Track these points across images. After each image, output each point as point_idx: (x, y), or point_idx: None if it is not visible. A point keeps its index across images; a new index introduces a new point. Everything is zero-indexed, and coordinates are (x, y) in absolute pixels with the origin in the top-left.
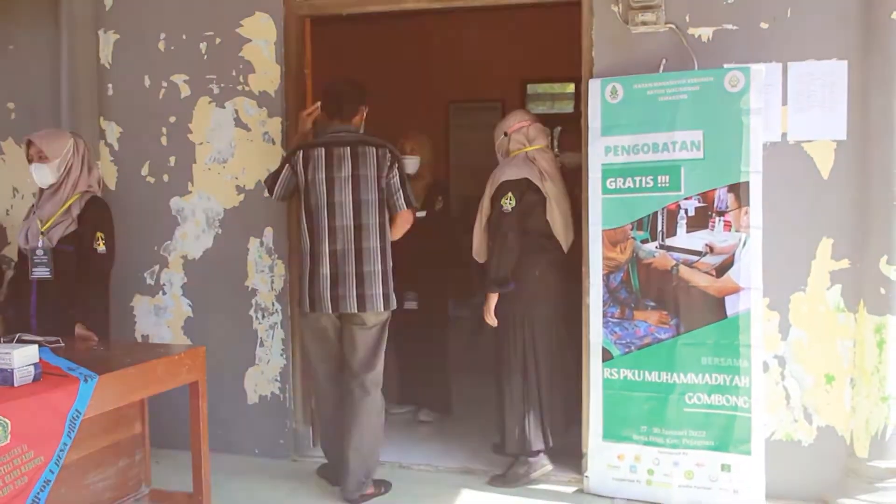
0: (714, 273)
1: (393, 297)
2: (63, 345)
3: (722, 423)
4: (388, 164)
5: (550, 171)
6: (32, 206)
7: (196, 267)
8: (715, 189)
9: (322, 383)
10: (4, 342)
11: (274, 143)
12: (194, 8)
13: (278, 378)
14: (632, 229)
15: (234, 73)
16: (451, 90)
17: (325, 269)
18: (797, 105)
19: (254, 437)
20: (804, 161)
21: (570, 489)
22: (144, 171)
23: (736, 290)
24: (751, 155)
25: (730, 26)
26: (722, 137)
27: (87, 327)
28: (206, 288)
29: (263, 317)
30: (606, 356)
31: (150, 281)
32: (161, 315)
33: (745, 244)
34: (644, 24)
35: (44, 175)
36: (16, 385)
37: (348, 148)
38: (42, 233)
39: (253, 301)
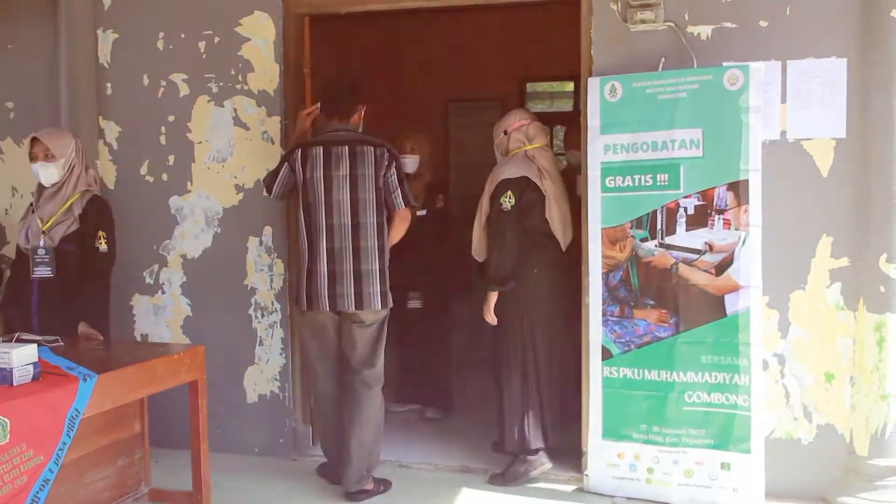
0: (713, 271)
1: (390, 295)
2: (62, 344)
3: (721, 422)
4: (386, 163)
5: (550, 170)
6: (31, 205)
7: (195, 266)
8: (714, 187)
9: (321, 382)
10: (3, 341)
11: (273, 142)
12: (193, 7)
13: (278, 377)
14: (631, 228)
15: (232, 72)
16: (451, 89)
17: (323, 268)
18: (796, 103)
19: (253, 436)
20: (803, 159)
21: (570, 488)
22: (143, 170)
23: (735, 288)
24: (750, 153)
25: (729, 24)
26: (721, 135)
27: (90, 326)
28: (205, 287)
29: (263, 316)
30: (606, 355)
31: (149, 280)
32: (160, 314)
33: (744, 242)
34: (643, 22)
35: (49, 174)
36: (15, 384)
37: (346, 147)
38: (43, 232)
39: (252, 300)
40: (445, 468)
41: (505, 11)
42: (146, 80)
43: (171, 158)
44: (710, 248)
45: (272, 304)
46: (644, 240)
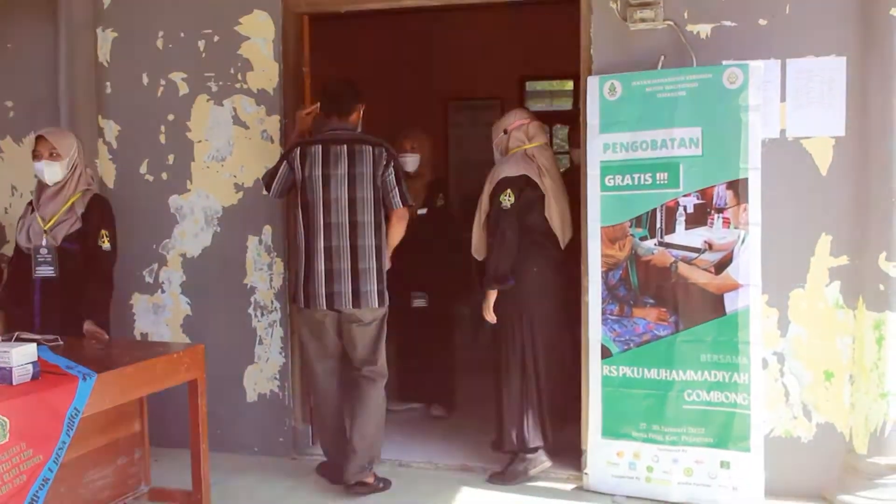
0: (713, 270)
1: (387, 293)
2: (61, 343)
3: (721, 420)
4: (385, 162)
5: (550, 168)
6: (29, 204)
7: (195, 265)
8: (714, 186)
9: (321, 381)
10: (3, 340)
11: (272, 141)
12: (192, 6)
13: (277, 376)
14: (630, 226)
15: (232, 71)
16: (450, 88)
17: (321, 266)
18: (796, 101)
19: (253, 436)
20: (803, 158)
21: (570, 486)
22: (143, 169)
23: (735, 286)
24: (749, 151)
25: (728, 23)
26: (720, 134)
27: (95, 324)
28: (204, 286)
29: (262, 315)
30: (605, 353)
31: (148, 279)
32: (160, 313)
33: (743, 241)
34: (642, 20)
35: (54, 173)
36: (14, 383)
37: (345, 146)
38: (45, 231)
39: (252, 299)
40: (445, 467)
41: (504, 10)
42: (145, 79)
43: (171, 157)
44: (710, 246)
45: (272, 302)
46: (643, 238)
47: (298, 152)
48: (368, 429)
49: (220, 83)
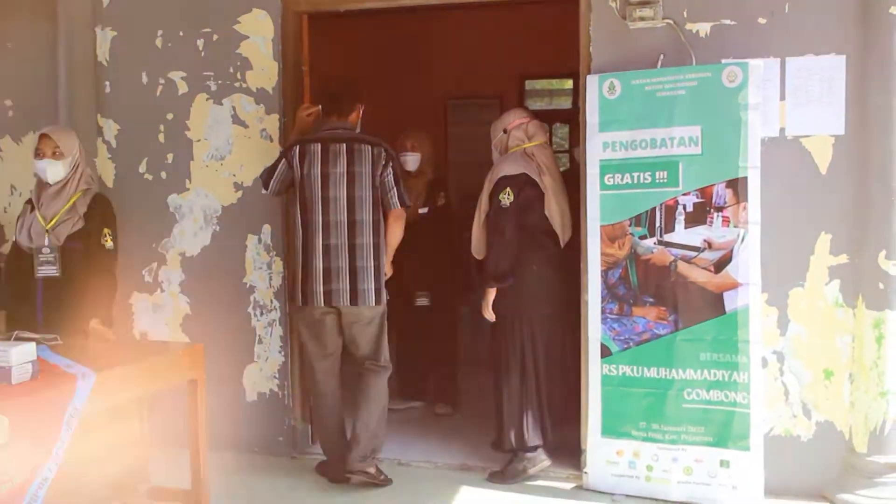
0: (712, 269)
1: (384, 291)
2: (61, 342)
3: (721, 419)
4: (383, 162)
5: (549, 166)
6: (28, 202)
7: (194, 264)
8: (713, 184)
9: (320, 380)
10: (2, 340)
11: (271, 140)
12: (192, 5)
13: (277, 375)
14: (630, 225)
15: (231, 70)
16: (450, 86)
17: (319, 264)
18: (795, 100)
19: (252, 435)
20: (802, 156)
21: (569, 485)
22: (142, 168)
23: (734, 285)
24: (749, 150)
25: (727, 21)
26: (720, 133)
27: (101, 323)
28: (204, 285)
29: (262, 314)
30: (605, 352)
31: (148, 278)
32: (159, 312)
33: (743, 240)
34: (642, 19)
35: (56, 171)
36: (13, 383)
37: (344, 144)
38: (47, 231)
39: (251, 298)
40: (445, 466)
41: (504, 9)
42: (145, 78)
43: (170, 156)
44: (709, 245)
45: (271, 302)
46: (643, 237)
47: (297, 150)
48: (372, 418)
49: (220, 82)
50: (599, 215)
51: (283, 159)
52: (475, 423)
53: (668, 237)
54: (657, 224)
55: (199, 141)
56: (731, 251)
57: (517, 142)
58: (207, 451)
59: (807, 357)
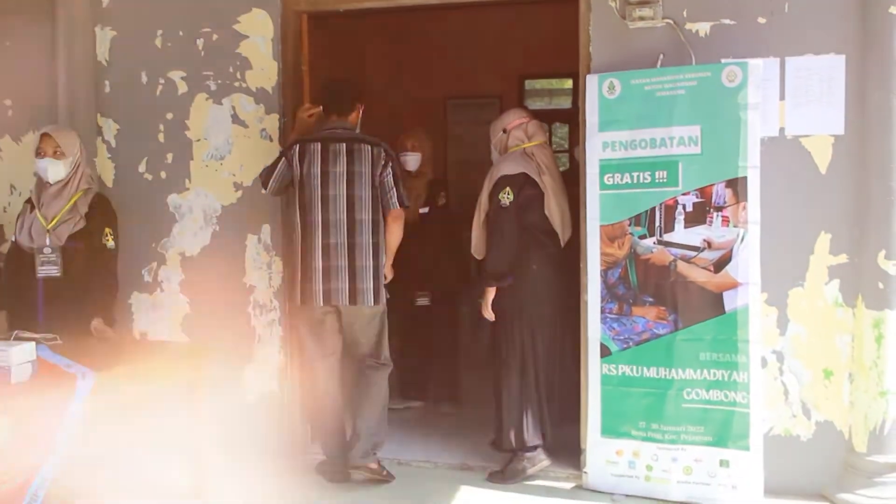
0: (712, 268)
1: (384, 291)
2: (60, 342)
3: (720, 419)
4: (383, 162)
5: (549, 166)
6: (28, 202)
7: (194, 264)
8: (713, 184)
9: (320, 380)
10: (2, 339)
11: (271, 139)
12: (191, 4)
13: (276, 375)
14: (630, 225)
15: (231, 70)
16: (449, 86)
17: (318, 263)
18: (795, 100)
19: (252, 435)
20: (802, 156)
21: (569, 485)
22: (142, 167)
23: (734, 285)
24: (748, 150)
25: (727, 21)
26: (720, 132)
27: (104, 323)
28: (203, 285)
29: (261, 314)
30: (605, 352)
31: (147, 278)
32: (159, 312)
33: (742, 239)
34: (641, 19)
35: (57, 171)
36: (13, 382)
37: (344, 144)
38: (48, 231)
39: (251, 298)
40: (445, 466)
41: (503, 8)
42: (144, 78)
43: (170, 156)
44: (709, 245)
45: (271, 301)
46: (643, 237)
47: (297, 149)
48: (373, 414)
49: (219, 82)
50: (599, 215)
51: (283, 158)
52: (475, 423)
53: (667, 237)
54: (657, 224)
55: (198, 141)
56: (731, 251)
57: (517, 142)
58: (207, 451)
59: (806, 357)
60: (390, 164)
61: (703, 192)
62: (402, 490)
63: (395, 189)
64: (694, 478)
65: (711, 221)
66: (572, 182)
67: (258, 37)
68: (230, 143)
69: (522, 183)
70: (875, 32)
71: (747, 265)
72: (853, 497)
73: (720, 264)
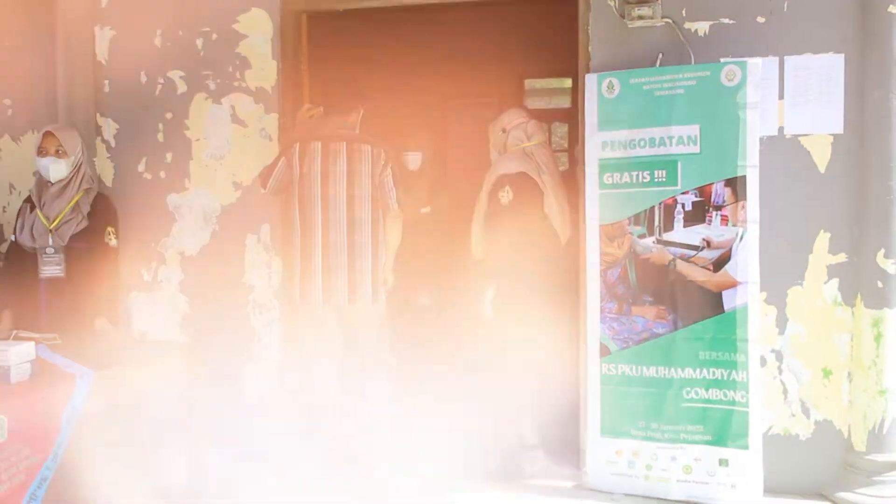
0: (711, 267)
1: (383, 290)
2: (60, 341)
3: (720, 418)
4: (382, 162)
5: (548, 165)
6: (27, 201)
7: (193, 263)
8: (712, 183)
9: (319, 379)
10: (1, 339)
11: (270, 139)
12: (190, 4)
13: (276, 375)
14: (629, 224)
15: (230, 70)
16: (449, 86)
17: (317, 261)
18: (794, 99)
19: (251, 434)
20: (801, 155)
21: (569, 484)
22: (141, 167)
23: (733, 284)
24: (747, 149)
25: (726, 20)
26: (719, 132)
27: (108, 322)
28: (203, 284)
29: (261, 313)
30: (604, 351)
31: (147, 277)
32: (158, 311)
33: (741, 238)
34: (640, 18)
35: (59, 170)
36: (12, 382)
37: (344, 144)
38: (50, 230)
39: (250, 297)
40: (444, 465)
41: (503, 8)
42: (144, 78)
43: (169, 156)
44: (708, 244)
45: (270, 301)
46: (642, 236)
47: (297, 149)
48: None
49: (219, 81)
50: (598, 214)
51: (283, 157)
52: (474, 423)
53: (666, 236)
54: (656, 223)
55: (198, 140)
56: (730, 250)
57: (516, 141)
58: (206, 450)
59: (805, 356)
60: (390, 164)
61: (703, 191)
62: (401, 489)
63: (394, 190)
64: (693, 477)
65: (710, 220)
66: (571, 181)
67: (257, 36)
68: (229, 142)
69: (522, 182)
70: (874, 31)
71: (746, 264)
72: (852, 496)
73: (719, 263)
